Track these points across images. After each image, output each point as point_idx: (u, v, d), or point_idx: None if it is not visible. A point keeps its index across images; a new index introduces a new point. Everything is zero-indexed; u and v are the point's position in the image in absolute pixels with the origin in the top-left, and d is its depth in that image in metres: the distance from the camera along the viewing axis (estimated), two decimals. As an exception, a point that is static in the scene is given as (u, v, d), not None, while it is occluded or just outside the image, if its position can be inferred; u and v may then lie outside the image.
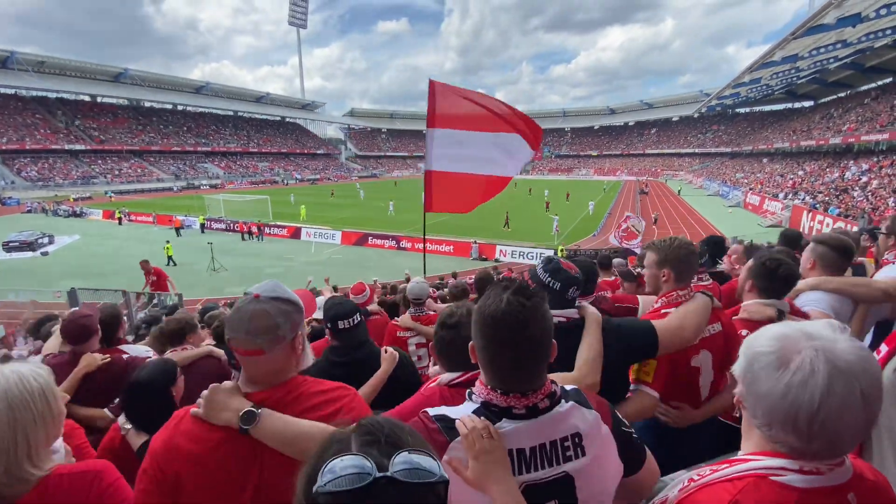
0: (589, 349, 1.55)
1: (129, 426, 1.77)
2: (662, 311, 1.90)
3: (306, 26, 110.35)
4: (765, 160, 51.27)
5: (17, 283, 16.18)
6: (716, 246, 4.01)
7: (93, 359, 2.26)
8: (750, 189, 38.77)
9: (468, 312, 1.62)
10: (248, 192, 46.54)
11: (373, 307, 4.24)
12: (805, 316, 2.07)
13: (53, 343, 2.75)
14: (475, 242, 22.15)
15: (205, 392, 1.14)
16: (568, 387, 1.11)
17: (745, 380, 0.84)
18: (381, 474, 0.57)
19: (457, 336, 1.51)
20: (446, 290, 6.24)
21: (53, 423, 1.11)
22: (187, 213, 31.08)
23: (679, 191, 50.75)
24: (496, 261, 20.60)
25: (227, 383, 1.17)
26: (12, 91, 57.13)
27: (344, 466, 0.57)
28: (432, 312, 3.53)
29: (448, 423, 1.00)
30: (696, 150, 77.57)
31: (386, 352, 2.18)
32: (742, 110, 76.22)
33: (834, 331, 0.79)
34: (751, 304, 2.12)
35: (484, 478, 0.91)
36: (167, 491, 1.07)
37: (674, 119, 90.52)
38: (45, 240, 22.93)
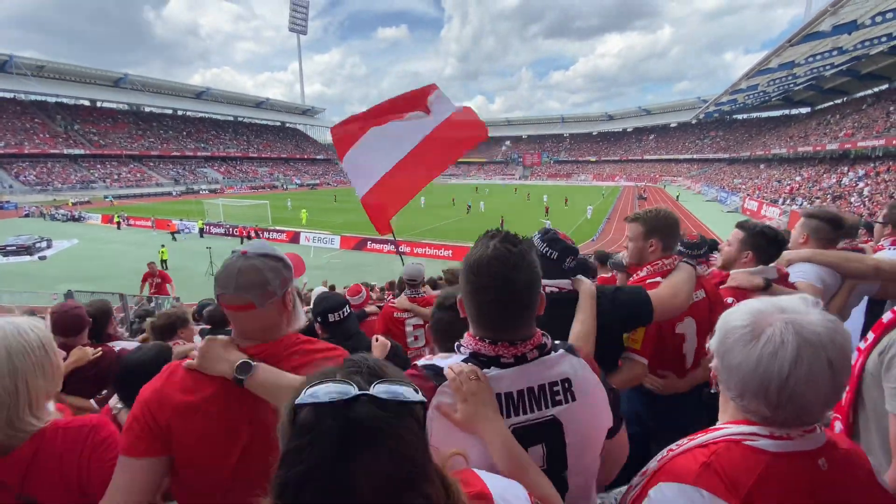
0: (582, 324, 1.54)
1: (120, 405, 1.76)
2: (649, 280, 1.91)
3: (307, 32, 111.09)
4: (762, 166, 51.48)
5: (14, 287, 16.12)
6: (711, 250, 4.04)
7: (84, 352, 2.22)
8: (748, 195, 38.88)
9: None
10: (247, 197, 46.55)
11: (370, 308, 4.24)
12: (792, 287, 2.11)
13: None
14: (474, 247, 22.17)
15: (200, 343, 1.13)
16: (557, 341, 1.11)
17: (720, 353, 0.86)
18: (362, 392, 0.57)
19: (454, 318, 1.48)
20: (441, 275, 6.23)
21: (53, 373, 1.12)
22: (185, 217, 31.08)
23: (678, 196, 50.88)
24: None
25: (222, 336, 1.16)
26: (11, 95, 57.23)
27: (327, 391, 0.57)
28: (428, 295, 3.54)
29: (436, 370, 1.01)
30: (695, 156, 77.91)
31: (377, 340, 2.18)
32: (740, 116, 76.66)
33: (806, 305, 0.82)
34: (739, 273, 2.15)
35: (473, 418, 0.92)
36: (158, 437, 1.05)
37: (672, 125, 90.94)
38: (43, 244, 22.83)
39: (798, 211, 27.09)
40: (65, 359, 2.20)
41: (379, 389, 0.58)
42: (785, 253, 2.31)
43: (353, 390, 0.57)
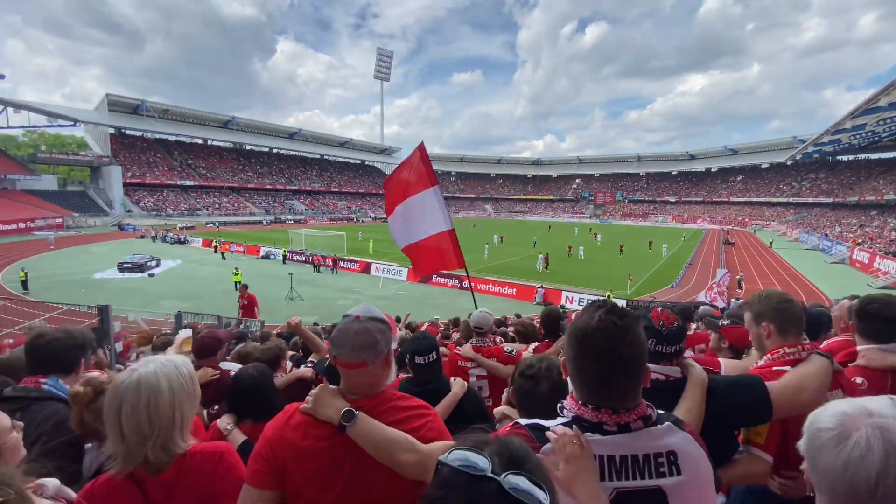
0: (686, 413, 1.40)
1: (230, 426, 1.99)
2: (774, 367, 1.70)
3: (389, 79, 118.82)
4: (874, 212, 45.94)
5: (127, 300, 18.35)
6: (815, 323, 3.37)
7: (205, 372, 2.55)
8: (858, 244, 34.68)
9: (548, 367, 1.67)
10: (327, 228, 49.75)
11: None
12: None
13: None
14: (541, 287, 21.72)
15: (314, 390, 1.31)
16: (661, 411, 1.11)
17: (809, 455, 0.85)
18: (493, 475, 0.63)
19: (534, 388, 1.53)
20: (511, 328, 6.18)
21: (197, 402, 1.32)
22: (274, 244, 33.84)
23: (770, 243, 46.48)
24: (562, 307, 19.96)
25: (332, 387, 1.34)
26: (139, 133, 66.96)
27: (464, 459, 0.66)
28: (493, 345, 3.44)
29: (542, 432, 1.04)
30: (791, 200, 71.32)
31: (455, 380, 2.28)
32: (844, 158, 69.59)
33: (895, 408, 0.80)
34: (871, 351, 1.96)
35: (572, 480, 0.95)
36: (275, 473, 1.22)
37: (763, 166, 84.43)
38: (153, 263, 25.90)
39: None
40: None
41: (509, 481, 0.63)
42: None
43: (487, 470, 0.64)
